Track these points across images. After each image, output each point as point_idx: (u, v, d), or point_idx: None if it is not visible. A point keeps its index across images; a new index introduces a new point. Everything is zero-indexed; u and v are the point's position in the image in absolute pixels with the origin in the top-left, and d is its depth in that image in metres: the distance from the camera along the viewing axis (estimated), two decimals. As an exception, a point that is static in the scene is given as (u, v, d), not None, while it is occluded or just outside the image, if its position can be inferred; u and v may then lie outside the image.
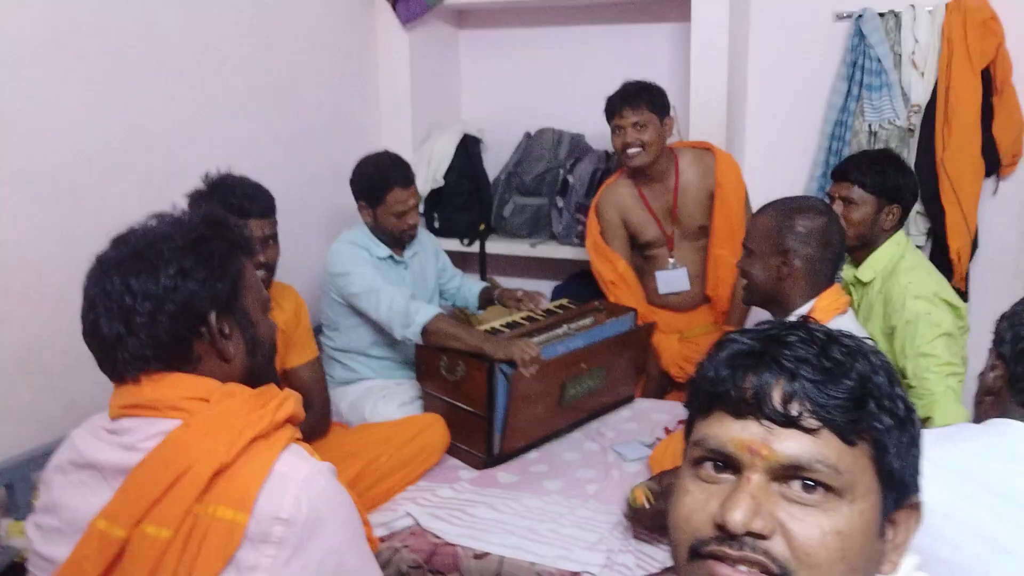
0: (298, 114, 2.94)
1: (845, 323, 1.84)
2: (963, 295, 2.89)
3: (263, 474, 1.05)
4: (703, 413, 0.80)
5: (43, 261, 2.05)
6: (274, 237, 2.11)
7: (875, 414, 0.75)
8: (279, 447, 1.10)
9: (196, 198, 1.99)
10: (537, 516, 2.03)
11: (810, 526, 0.72)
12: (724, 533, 0.73)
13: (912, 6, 2.90)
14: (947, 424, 1.87)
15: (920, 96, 2.92)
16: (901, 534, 0.80)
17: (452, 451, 2.34)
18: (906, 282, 2.19)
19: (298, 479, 1.06)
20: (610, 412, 2.61)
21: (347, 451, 2.13)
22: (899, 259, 2.27)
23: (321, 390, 2.33)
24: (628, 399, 2.68)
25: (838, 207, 2.29)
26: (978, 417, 1.31)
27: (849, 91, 3.00)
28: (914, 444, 0.79)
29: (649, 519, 1.87)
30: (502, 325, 2.50)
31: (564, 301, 2.78)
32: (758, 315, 2.42)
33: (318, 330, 2.64)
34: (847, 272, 2.39)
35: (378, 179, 2.53)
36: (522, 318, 2.59)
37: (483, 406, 2.24)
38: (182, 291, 1.12)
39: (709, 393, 0.79)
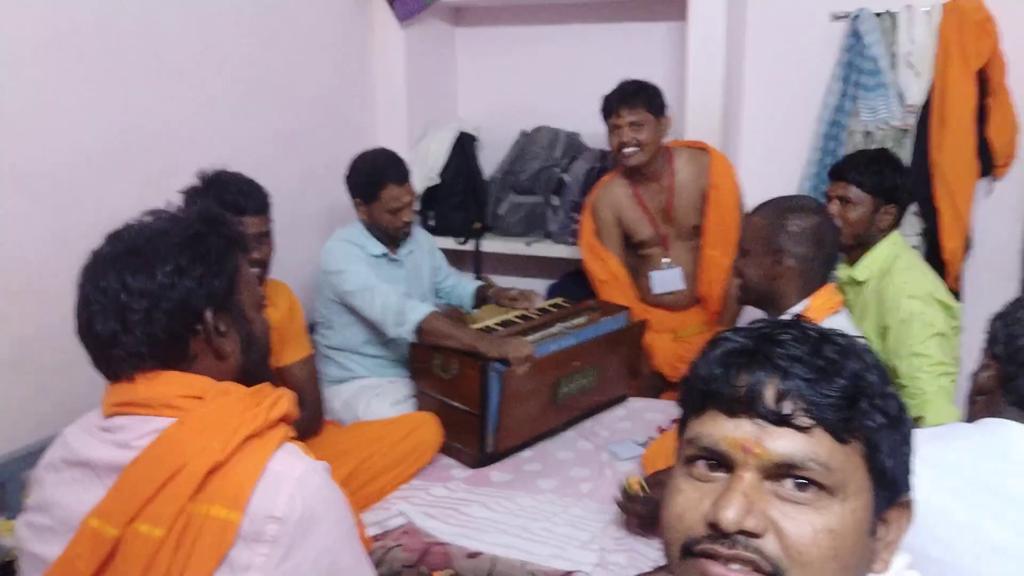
0: (294, 112, 2.94)
1: (838, 322, 1.84)
2: (957, 295, 2.90)
3: (257, 473, 1.05)
4: (696, 411, 0.80)
5: (39, 260, 2.04)
6: (268, 234, 2.11)
7: (867, 412, 0.75)
8: (273, 445, 1.09)
9: (191, 194, 1.99)
10: (530, 515, 2.03)
11: (802, 524, 0.73)
12: (717, 531, 0.73)
13: (908, 7, 2.90)
14: (939, 424, 1.87)
15: (915, 97, 2.92)
16: (893, 532, 0.80)
17: (445, 450, 2.34)
18: (901, 282, 2.20)
19: (292, 478, 1.06)
20: (604, 411, 2.61)
21: (340, 449, 2.13)
22: (895, 259, 2.28)
23: (314, 388, 2.33)
24: (621, 398, 2.69)
25: (835, 206, 2.30)
26: (971, 417, 1.31)
27: (845, 91, 3.01)
28: (906, 443, 0.79)
29: (642, 507, 1.87)
30: (496, 323, 2.50)
31: (559, 300, 2.78)
32: (751, 315, 2.42)
33: (312, 328, 2.63)
34: (843, 271, 2.39)
35: (374, 175, 2.53)
36: (516, 316, 2.58)
37: (477, 404, 2.24)
38: (179, 289, 1.12)
39: (702, 391, 0.79)
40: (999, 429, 1.21)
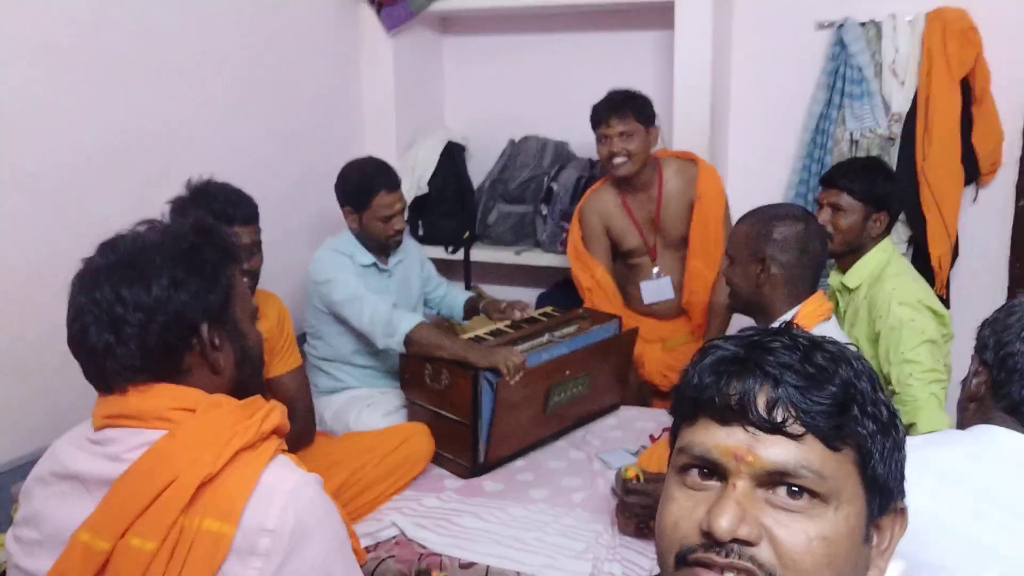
0: (282, 121, 2.93)
1: (828, 330, 1.85)
2: (945, 302, 2.91)
3: (250, 485, 1.04)
4: (688, 420, 0.80)
5: (39, 260, 2.04)
6: (258, 244, 2.10)
7: (859, 419, 0.76)
8: (266, 458, 1.09)
9: (179, 204, 1.98)
10: (523, 525, 2.02)
11: (796, 532, 0.73)
12: (711, 540, 0.73)
13: (892, 16, 2.93)
14: (931, 430, 1.88)
15: (900, 105, 2.95)
16: (886, 539, 0.80)
17: (437, 460, 2.33)
18: (891, 288, 2.21)
19: (284, 490, 1.05)
20: (595, 420, 2.61)
21: (331, 460, 2.12)
22: (885, 265, 2.29)
23: (305, 399, 2.32)
24: (613, 407, 2.68)
25: (826, 213, 2.31)
26: (962, 423, 1.32)
27: (830, 99, 3.03)
28: (898, 449, 0.80)
29: (639, 499, 1.86)
30: (486, 333, 2.49)
31: (549, 309, 2.78)
32: (740, 323, 2.43)
33: (302, 339, 2.62)
34: (834, 278, 2.41)
35: (364, 183, 2.52)
36: (506, 326, 2.58)
37: (468, 415, 2.23)
38: (174, 302, 1.11)
39: (694, 400, 0.79)
40: (990, 435, 1.21)
